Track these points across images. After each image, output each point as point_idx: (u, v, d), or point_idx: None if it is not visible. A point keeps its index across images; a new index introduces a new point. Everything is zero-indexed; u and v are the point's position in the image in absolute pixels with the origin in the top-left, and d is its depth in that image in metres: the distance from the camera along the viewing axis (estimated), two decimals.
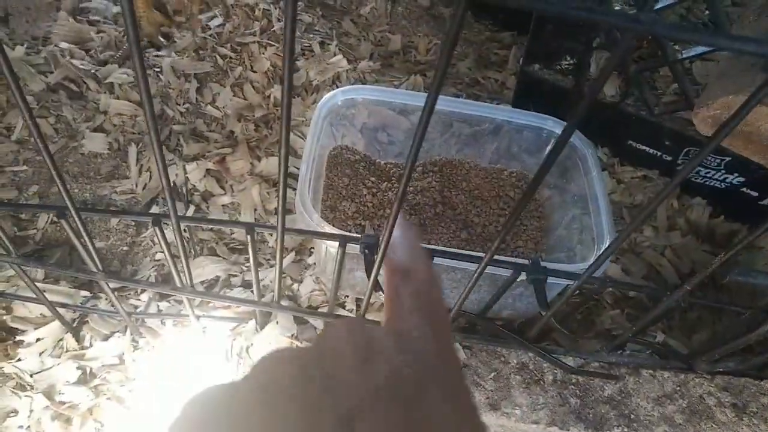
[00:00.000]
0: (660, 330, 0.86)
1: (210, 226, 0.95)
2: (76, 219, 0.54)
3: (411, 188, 0.82)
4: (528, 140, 0.90)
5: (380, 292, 0.61)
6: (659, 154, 1.01)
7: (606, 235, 0.70)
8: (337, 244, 0.60)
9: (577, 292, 0.89)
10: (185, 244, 0.58)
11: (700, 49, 0.86)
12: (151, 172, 1.01)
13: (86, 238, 0.57)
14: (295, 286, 0.88)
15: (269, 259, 0.91)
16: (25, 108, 0.42)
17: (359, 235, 0.60)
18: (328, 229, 0.62)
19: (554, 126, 0.85)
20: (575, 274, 0.61)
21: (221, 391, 0.23)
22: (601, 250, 0.70)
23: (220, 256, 0.91)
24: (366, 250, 0.59)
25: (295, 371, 0.22)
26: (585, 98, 0.36)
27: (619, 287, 0.61)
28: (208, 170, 1.02)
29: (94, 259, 0.60)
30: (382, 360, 0.22)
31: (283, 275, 0.89)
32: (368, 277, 0.58)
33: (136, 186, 1.00)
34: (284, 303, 0.78)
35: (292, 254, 0.90)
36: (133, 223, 0.96)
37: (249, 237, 0.60)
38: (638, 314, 0.88)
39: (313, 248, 0.90)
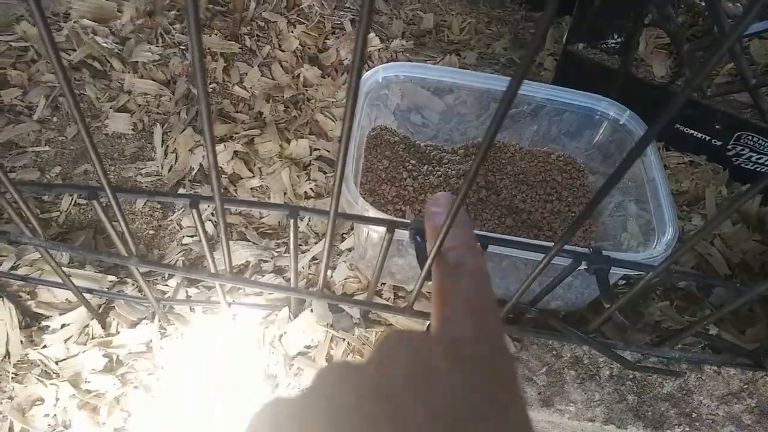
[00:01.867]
0: (713, 324, 0.81)
1: (239, 209, 0.91)
2: (112, 200, 0.51)
3: (453, 172, 0.78)
4: (570, 122, 0.86)
5: (428, 281, 0.57)
6: (708, 138, 0.96)
7: (669, 223, 0.66)
8: (382, 229, 0.56)
9: (623, 282, 0.85)
10: (211, 236, 0.54)
11: (759, 27, 0.81)
12: (177, 154, 0.98)
13: (121, 221, 0.54)
14: (329, 272, 0.84)
15: (301, 245, 0.88)
16: (65, 81, 0.38)
17: (408, 221, 0.56)
18: (374, 213, 0.58)
19: (608, 107, 0.80)
20: (642, 264, 0.57)
21: (288, 405, 0.23)
22: (666, 239, 0.65)
23: (250, 241, 0.88)
24: (417, 237, 0.56)
25: (360, 389, 0.22)
26: (679, 95, 0.32)
27: (693, 279, 0.57)
28: (236, 152, 0.98)
29: (128, 243, 0.57)
30: (440, 383, 0.23)
31: (316, 261, 0.85)
32: (420, 266, 0.54)
33: (162, 168, 0.96)
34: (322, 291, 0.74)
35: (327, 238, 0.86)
36: (159, 206, 0.92)
37: (291, 221, 0.56)
38: (688, 306, 0.84)
39: (346, 234, 0.86)
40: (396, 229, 0.56)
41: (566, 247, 0.59)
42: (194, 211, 0.55)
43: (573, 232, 0.49)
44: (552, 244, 0.59)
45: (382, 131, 0.80)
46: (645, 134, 0.39)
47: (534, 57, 0.31)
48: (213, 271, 0.62)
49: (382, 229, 0.56)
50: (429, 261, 0.54)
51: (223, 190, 0.92)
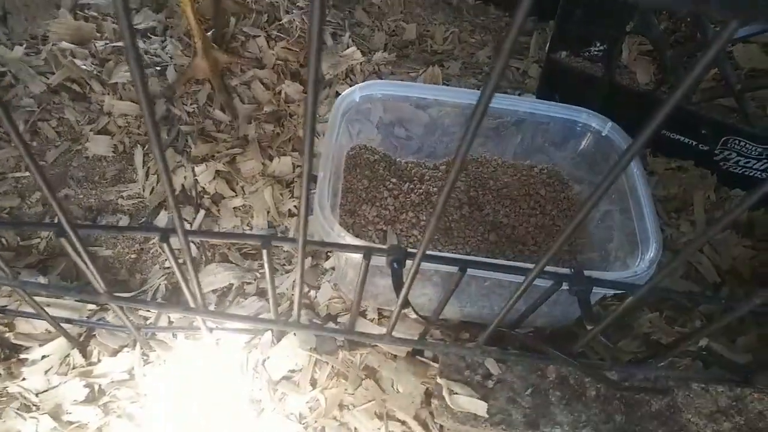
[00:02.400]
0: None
1: (222, 229, 0.90)
2: (74, 239, 0.50)
3: (435, 189, 0.77)
4: (554, 133, 0.85)
5: (409, 309, 0.56)
6: (695, 143, 0.95)
7: (652, 237, 0.65)
8: (360, 255, 0.55)
9: (612, 294, 0.84)
10: (194, 260, 0.53)
11: (743, 32, 0.80)
12: (158, 175, 0.96)
13: (85, 259, 0.53)
14: (312, 293, 0.83)
15: (284, 264, 0.86)
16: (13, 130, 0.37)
17: (385, 247, 0.55)
18: (350, 239, 0.57)
19: (589, 119, 0.79)
20: (624, 284, 0.56)
21: None
22: (649, 256, 0.64)
23: (232, 263, 0.86)
24: (394, 264, 0.54)
25: None
26: (663, 105, 0.31)
27: (678, 297, 0.55)
28: (218, 171, 0.97)
29: (98, 280, 0.56)
30: None
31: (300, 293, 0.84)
32: (396, 293, 0.53)
33: (144, 190, 0.95)
34: (302, 314, 0.73)
35: (309, 260, 0.85)
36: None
37: (265, 252, 0.55)
38: (677, 316, 0.83)
39: (330, 253, 0.85)
40: (373, 256, 0.55)
41: (547, 268, 0.58)
42: (165, 245, 0.54)
43: (552, 255, 0.48)
44: (532, 266, 0.58)
45: (362, 150, 0.79)
46: (627, 148, 0.38)
47: (502, 70, 0.29)
48: (191, 304, 0.61)
49: (359, 258, 0.55)
50: (405, 288, 0.53)
51: (205, 211, 0.91)
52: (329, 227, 0.57)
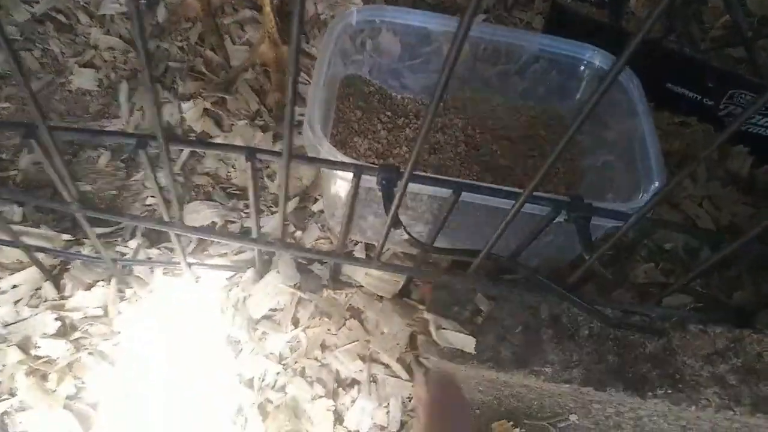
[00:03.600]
0: (699, 288, 0.78)
1: (206, 170, 0.87)
2: (46, 135, 0.46)
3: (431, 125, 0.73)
4: (560, 79, 0.81)
5: (400, 230, 0.53)
6: (700, 98, 0.92)
7: (656, 175, 0.62)
8: (350, 176, 0.52)
9: (611, 226, 0.81)
10: (172, 168, 0.49)
11: None
12: (144, 111, 0.92)
13: (57, 161, 0.49)
14: (299, 233, 0.80)
15: (270, 206, 0.83)
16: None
17: (376, 165, 0.52)
18: (341, 157, 0.53)
19: (593, 56, 0.75)
20: (625, 214, 0.53)
21: None
22: (652, 188, 0.61)
23: (216, 201, 0.83)
24: (384, 182, 0.51)
25: None
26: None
27: (675, 230, 0.53)
28: (206, 110, 0.93)
29: (69, 187, 0.52)
30: None
31: (286, 222, 0.81)
32: (386, 212, 0.50)
33: (128, 124, 0.91)
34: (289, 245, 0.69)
35: (296, 200, 0.82)
36: (123, 166, 0.87)
37: (249, 165, 0.51)
38: (673, 267, 0.80)
39: (320, 196, 0.82)
40: (363, 176, 0.52)
41: (545, 195, 0.56)
42: (141, 151, 0.50)
43: (545, 175, 0.45)
44: (536, 193, 0.55)
45: (356, 80, 0.75)
46: (613, 65, 0.36)
47: None
48: (165, 218, 0.58)
49: (350, 178, 0.52)
50: (395, 202, 0.50)
51: (189, 150, 0.88)
52: (318, 145, 0.54)
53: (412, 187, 0.54)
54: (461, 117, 0.75)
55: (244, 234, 0.78)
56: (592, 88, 0.80)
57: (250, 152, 0.49)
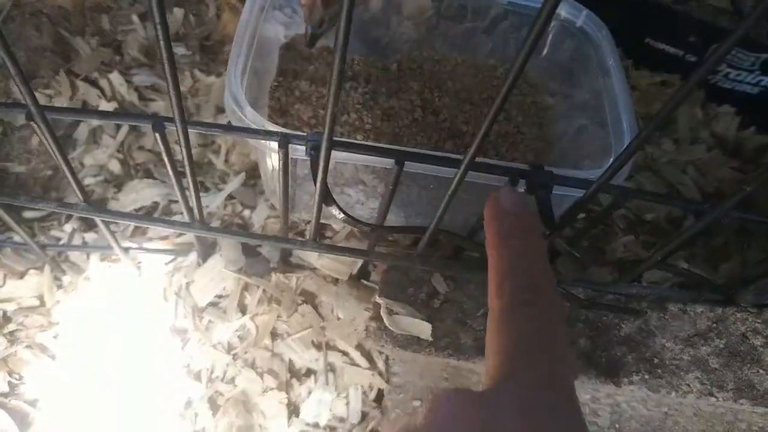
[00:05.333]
0: (682, 259, 0.72)
1: (146, 146, 0.80)
2: None
3: (383, 90, 0.66)
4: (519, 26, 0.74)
5: (332, 208, 0.47)
6: (682, 53, 0.85)
7: (627, 135, 0.56)
8: (276, 146, 0.45)
9: (582, 215, 0.75)
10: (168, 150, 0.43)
11: None
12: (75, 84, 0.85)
13: None
14: (247, 212, 0.74)
15: (217, 183, 0.77)
16: None
17: (303, 133, 0.45)
18: (267, 125, 0.47)
19: (561, 8, 0.68)
20: (590, 182, 0.47)
21: None
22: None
23: (158, 179, 0.76)
24: (312, 152, 0.45)
25: None
26: None
27: (646, 198, 0.47)
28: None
29: None
30: None
31: (233, 200, 0.74)
32: (314, 182, 0.44)
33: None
34: (228, 230, 0.63)
35: (242, 176, 0.75)
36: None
37: (158, 135, 0.45)
38: (655, 241, 0.75)
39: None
40: (291, 145, 0.46)
41: (503, 164, 0.49)
42: (158, 135, 0.43)
43: (486, 134, 0.38)
44: (486, 161, 0.49)
45: (297, 42, 0.68)
46: None
47: None
48: (76, 199, 0.51)
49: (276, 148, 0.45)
50: (320, 179, 0.43)
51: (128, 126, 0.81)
52: (240, 112, 0.47)
53: (351, 158, 0.48)
54: (417, 79, 0.68)
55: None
56: (559, 43, 0.74)
57: (157, 122, 0.42)
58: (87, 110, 0.77)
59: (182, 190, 0.51)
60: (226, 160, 0.78)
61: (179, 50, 0.87)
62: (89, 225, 0.73)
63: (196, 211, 0.51)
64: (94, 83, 0.83)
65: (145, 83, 0.83)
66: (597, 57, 0.64)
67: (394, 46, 0.78)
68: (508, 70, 0.32)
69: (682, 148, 0.82)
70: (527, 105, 0.69)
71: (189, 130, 0.42)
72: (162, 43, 0.32)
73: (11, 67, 0.34)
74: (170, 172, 0.48)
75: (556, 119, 0.73)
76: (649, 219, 0.75)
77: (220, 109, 0.81)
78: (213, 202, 0.73)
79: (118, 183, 0.76)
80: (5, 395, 0.64)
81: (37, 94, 0.45)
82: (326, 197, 0.43)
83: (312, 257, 0.68)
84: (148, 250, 0.69)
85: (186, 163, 0.44)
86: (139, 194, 0.74)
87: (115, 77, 0.83)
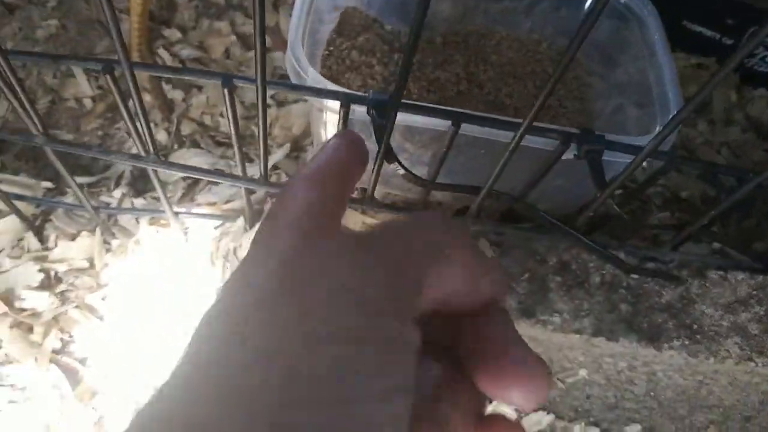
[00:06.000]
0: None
1: (192, 117, 0.82)
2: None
3: (430, 61, 0.68)
4: (569, 13, 0.76)
5: (394, 164, 0.49)
6: (719, 36, 0.86)
7: (674, 111, 0.57)
8: (338, 105, 0.47)
9: (620, 191, 0.77)
10: (141, 97, 0.45)
11: None
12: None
13: (17, 88, 0.45)
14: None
15: (258, 154, 0.78)
16: None
17: (365, 94, 0.47)
18: (329, 85, 0.49)
19: None
20: (639, 148, 0.48)
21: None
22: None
23: (204, 149, 0.78)
24: (374, 113, 0.47)
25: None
26: None
27: (692, 167, 0.48)
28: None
29: (33, 117, 0.48)
30: None
31: (277, 170, 0.77)
32: (378, 144, 0.46)
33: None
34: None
35: (287, 147, 0.77)
36: (109, 114, 0.83)
37: (226, 91, 0.47)
38: (690, 218, 0.76)
39: (311, 145, 0.77)
40: (353, 106, 0.47)
41: (552, 126, 0.51)
42: (108, 76, 0.46)
43: (550, 107, 0.40)
44: (542, 125, 0.50)
45: (351, 13, 0.70)
46: None
47: None
48: (141, 152, 0.53)
49: (338, 108, 0.47)
50: (385, 137, 0.45)
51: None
52: (303, 72, 0.49)
53: (408, 119, 0.50)
54: (462, 53, 0.70)
55: (234, 186, 0.74)
56: (600, 21, 0.76)
57: (226, 80, 0.44)
58: (158, 65, 0.78)
59: (241, 149, 0.53)
60: (269, 133, 0.80)
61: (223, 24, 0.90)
62: (138, 191, 0.75)
63: (262, 168, 0.53)
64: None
65: (191, 56, 0.86)
66: (642, 35, 0.66)
67: (433, 23, 0.79)
68: (560, 47, 0.34)
69: (717, 130, 0.83)
70: (569, 80, 0.70)
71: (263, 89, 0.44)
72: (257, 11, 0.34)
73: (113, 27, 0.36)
74: (231, 130, 0.50)
75: (595, 97, 0.74)
76: (684, 197, 0.76)
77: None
78: (257, 173, 0.75)
79: (165, 153, 0.78)
80: (57, 352, 0.66)
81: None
82: (388, 154, 0.45)
83: (356, 222, 0.70)
84: (198, 215, 0.71)
85: (260, 122, 0.46)
86: (187, 162, 0.76)
87: (162, 52, 0.85)
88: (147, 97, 0.81)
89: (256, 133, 0.80)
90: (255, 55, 0.38)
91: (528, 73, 0.70)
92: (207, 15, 0.91)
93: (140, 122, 0.48)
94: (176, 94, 0.83)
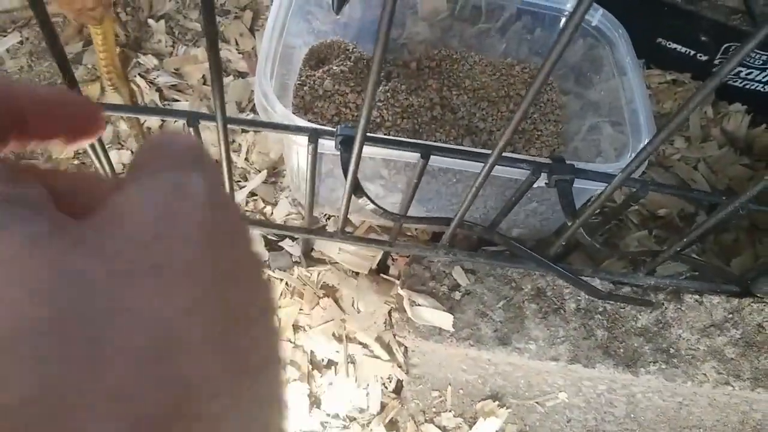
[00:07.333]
0: (695, 254, 0.73)
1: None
2: None
3: (403, 87, 0.68)
4: (543, 35, 0.76)
5: (362, 199, 0.49)
6: (693, 53, 0.86)
7: (645, 137, 0.57)
8: (306, 140, 0.47)
9: (598, 211, 0.77)
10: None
11: None
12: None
13: None
14: (269, 209, 0.75)
15: (239, 181, 0.78)
16: None
17: (332, 128, 0.47)
18: (297, 120, 0.48)
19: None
20: (610, 175, 0.49)
21: None
22: (641, 146, 0.57)
23: None
24: (342, 145, 0.46)
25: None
26: None
27: (665, 191, 0.48)
28: None
29: None
30: None
31: (254, 197, 0.76)
32: (344, 175, 0.45)
33: None
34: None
35: (263, 174, 0.77)
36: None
37: (191, 130, 0.46)
38: (668, 236, 0.76)
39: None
40: (320, 140, 0.47)
41: (526, 157, 0.51)
42: None
43: (514, 132, 0.40)
44: (511, 155, 0.50)
45: (320, 45, 0.70)
46: None
47: None
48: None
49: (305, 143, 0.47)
50: (351, 171, 0.45)
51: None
52: (271, 109, 0.49)
53: (377, 152, 0.49)
54: (436, 78, 0.70)
55: None
56: (572, 42, 0.76)
57: (192, 118, 0.44)
58: (123, 106, 0.78)
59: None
60: (247, 159, 0.80)
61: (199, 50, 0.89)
62: None
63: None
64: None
65: (168, 83, 0.85)
66: (613, 56, 0.66)
67: (409, 46, 0.79)
68: (533, 70, 0.34)
69: (693, 146, 0.84)
70: (543, 102, 0.71)
71: (224, 126, 0.43)
72: (209, 44, 0.34)
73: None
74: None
75: (570, 118, 0.74)
76: (662, 215, 0.76)
77: (240, 108, 0.83)
78: (235, 198, 0.74)
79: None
80: None
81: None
82: (356, 188, 0.44)
83: (333, 251, 0.69)
84: None
85: (223, 156, 0.45)
86: None
87: (138, 79, 0.85)
88: (123, 126, 0.81)
89: (234, 159, 0.80)
90: (213, 96, 0.38)
91: (502, 97, 0.70)
92: (183, 41, 0.91)
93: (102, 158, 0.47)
94: (153, 122, 0.82)
